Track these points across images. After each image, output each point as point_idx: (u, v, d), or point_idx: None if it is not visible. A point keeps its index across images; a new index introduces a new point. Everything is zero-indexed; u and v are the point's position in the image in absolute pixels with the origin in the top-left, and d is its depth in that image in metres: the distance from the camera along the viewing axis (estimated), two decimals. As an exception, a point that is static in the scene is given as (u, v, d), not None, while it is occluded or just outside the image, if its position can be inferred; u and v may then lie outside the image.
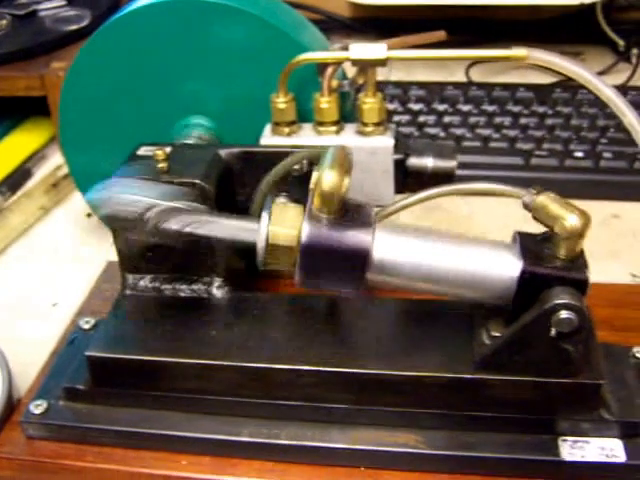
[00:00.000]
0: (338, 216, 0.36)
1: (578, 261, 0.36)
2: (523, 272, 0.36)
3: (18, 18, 0.74)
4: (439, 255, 0.37)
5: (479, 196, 0.55)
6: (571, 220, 0.35)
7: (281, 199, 0.43)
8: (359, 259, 0.36)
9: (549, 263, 0.36)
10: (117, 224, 0.39)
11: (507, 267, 0.36)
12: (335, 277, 0.37)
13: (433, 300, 0.40)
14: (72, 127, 0.51)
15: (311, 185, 0.36)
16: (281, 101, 0.44)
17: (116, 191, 0.37)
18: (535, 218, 0.36)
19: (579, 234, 0.35)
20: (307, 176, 0.42)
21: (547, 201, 0.36)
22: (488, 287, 0.37)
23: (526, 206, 0.37)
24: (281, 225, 0.36)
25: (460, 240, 0.38)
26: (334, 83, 0.45)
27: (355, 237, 0.36)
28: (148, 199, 0.36)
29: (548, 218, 0.35)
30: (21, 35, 0.72)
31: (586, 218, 0.35)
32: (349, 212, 0.36)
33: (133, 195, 0.37)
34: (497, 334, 0.38)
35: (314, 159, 0.41)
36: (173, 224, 0.37)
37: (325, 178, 0.34)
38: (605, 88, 0.40)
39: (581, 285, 0.35)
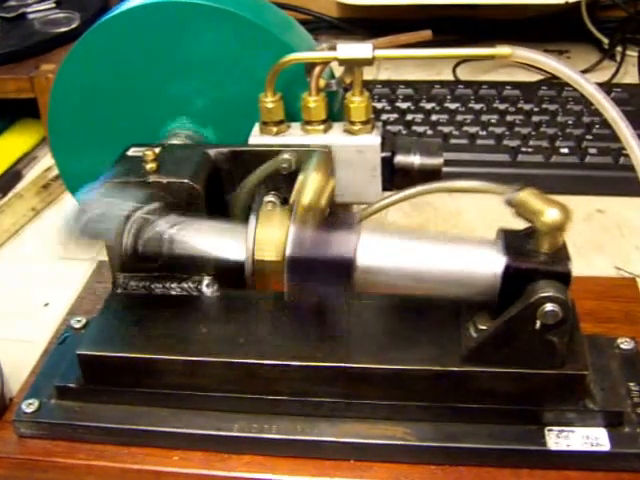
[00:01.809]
0: (322, 225, 0.37)
1: (560, 254, 0.36)
2: (507, 267, 0.36)
3: (7, 21, 0.75)
4: (424, 255, 0.38)
5: (466, 193, 0.56)
6: (551, 214, 0.35)
7: (269, 197, 0.43)
8: (344, 266, 0.37)
9: (532, 258, 0.36)
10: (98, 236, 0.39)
11: (491, 263, 0.37)
12: (323, 285, 0.38)
13: (420, 295, 0.41)
14: (61, 129, 0.52)
15: (293, 197, 0.36)
16: (269, 101, 0.45)
17: (96, 201, 0.37)
18: (518, 214, 0.37)
19: (560, 228, 0.35)
20: (295, 174, 0.43)
21: (528, 197, 0.36)
22: (474, 284, 0.37)
23: (508, 203, 0.37)
24: (266, 241, 0.37)
25: (444, 239, 0.38)
26: (321, 83, 0.45)
27: (339, 245, 0.37)
28: (128, 205, 0.37)
29: (529, 214, 0.36)
30: (10, 38, 0.72)
31: (566, 212, 0.35)
32: (332, 219, 0.37)
33: (115, 199, 0.37)
34: (484, 327, 0.38)
35: (298, 160, 0.42)
36: (155, 236, 0.37)
37: (306, 190, 0.35)
38: (587, 84, 0.41)
39: (564, 278, 0.36)
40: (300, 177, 0.36)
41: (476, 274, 0.37)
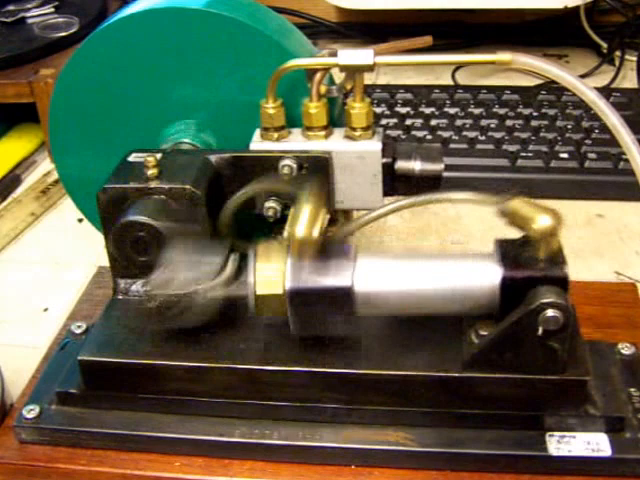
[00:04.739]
0: (318, 260, 0.37)
1: (557, 259, 0.36)
2: (504, 279, 0.36)
3: (6, 25, 0.75)
4: (421, 280, 0.38)
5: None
6: (542, 221, 0.35)
7: (270, 202, 0.43)
8: (344, 300, 0.38)
9: (529, 266, 0.36)
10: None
11: (489, 277, 0.37)
12: (327, 321, 0.38)
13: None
14: (62, 133, 0.52)
15: (286, 232, 0.37)
16: (270, 106, 0.45)
17: None
18: (510, 224, 0.37)
19: (552, 234, 0.36)
20: (298, 178, 0.43)
21: (518, 206, 0.36)
22: (474, 299, 0.37)
23: (500, 214, 0.37)
24: (265, 283, 0.38)
25: (440, 260, 0.39)
26: (322, 89, 0.45)
27: (336, 279, 0.38)
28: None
29: (521, 222, 0.36)
30: (10, 42, 0.72)
31: (557, 217, 0.35)
32: (328, 249, 0.38)
33: None
34: (485, 333, 0.38)
35: (274, 191, 0.43)
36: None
37: (297, 232, 0.36)
38: (588, 91, 0.41)
39: (562, 282, 0.36)
40: (292, 210, 0.37)
41: (475, 289, 0.37)
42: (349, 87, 0.45)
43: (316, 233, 0.36)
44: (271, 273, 0.38)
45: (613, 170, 0.62)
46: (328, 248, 0.38)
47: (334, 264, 0.38)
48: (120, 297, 0.43)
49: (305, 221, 0.36)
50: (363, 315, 0.39)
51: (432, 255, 0.39)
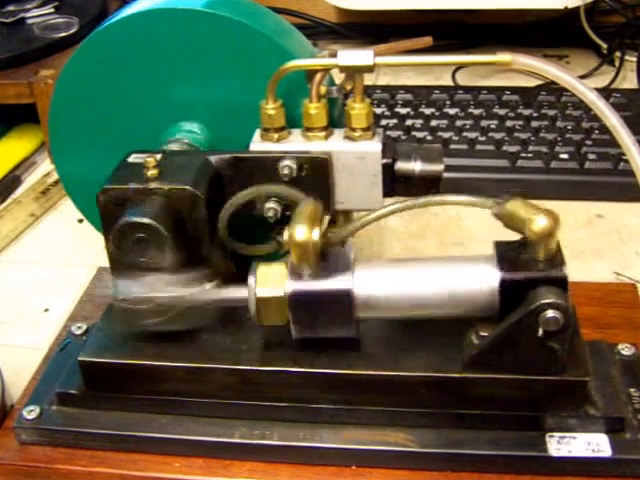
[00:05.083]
0: (318, 265, 0.37)
1: (555, 260, 0.36)
2: (502, 281, 0.36)
3: (6, 26, 0.75)
4: (420, 284, 0.38)
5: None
6: (539, 222, 0.35)
7: (270, 204, 0.43)
8: (345, 304, 0.38)
9: (527, 267, 0.36)
10: None
11: (487, 279, 0.37)
12: (327, 324, 0.38)
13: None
14: (62, 133, 0.52)
15: (285, 239, 0.37)
16: (270, 107, 0.45)
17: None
18: (507, 226, 0.37)
19: (550, 234, 0.35)
20: (298, 180, 0.43)
21: (514, 208, 0.36)
22: (474, 303, 0.37)
23: (496, 216, 0.37)
24: (266, 286, 0.38)
25: (438, 263, 0.39)
26: (322, 89, 0.45)
27: (337, 284, 0.38)
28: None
29: (518, 224, 0.36)
30: (9, 43, 0.72)
31: (554, 218, 0.35)
32: (329, 257, 0.38)
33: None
34: (485, 334, 0.38)
35: (272, 193, 0.43)
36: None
37: (296, 236, 0.36)
38: (588, 91, 0.41)
39: (561, 282, 0.36)
40: (288, 226, 0.38)
41: (474, 293, 0.37)
42: (349, 88, 0.45)
43: (316, 237, 0.36)
44: (272, 277, 0.38)
45: (613, 171, 0.62)
46: (328, 251, 0.38)
47: (334, 267, 0.38)
48: (120, 297, 0.43)
49: (305, 225, 0.36)
50: (363, 318, 0.39)
51: (431, 258, 0.39)
